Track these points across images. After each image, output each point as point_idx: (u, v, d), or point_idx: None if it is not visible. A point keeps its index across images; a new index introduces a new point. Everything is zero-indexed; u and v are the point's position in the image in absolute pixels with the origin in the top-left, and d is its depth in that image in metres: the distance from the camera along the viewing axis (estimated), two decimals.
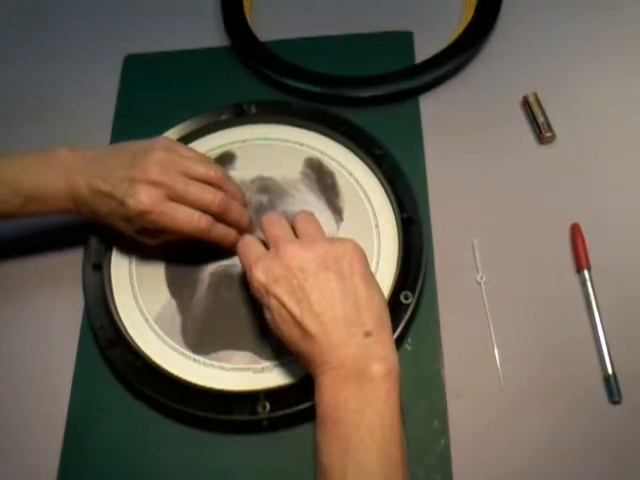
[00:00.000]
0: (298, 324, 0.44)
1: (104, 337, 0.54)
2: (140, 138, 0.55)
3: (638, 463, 0.49)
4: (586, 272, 0.55)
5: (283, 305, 0.44)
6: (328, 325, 0.43)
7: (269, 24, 0.72)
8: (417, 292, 0.53)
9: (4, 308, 0.58)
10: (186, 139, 0.62)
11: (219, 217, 0.53)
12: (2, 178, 0.52)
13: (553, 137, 0.62)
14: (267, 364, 0.52)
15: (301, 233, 0.48)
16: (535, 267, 0.56)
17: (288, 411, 0.50)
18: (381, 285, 0.47)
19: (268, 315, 0.46)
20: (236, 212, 0.54)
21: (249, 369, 0.52)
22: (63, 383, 0.54)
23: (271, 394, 0.50)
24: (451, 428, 0.50)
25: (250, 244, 0.49)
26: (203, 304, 0.55)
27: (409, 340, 0.54)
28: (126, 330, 0.54)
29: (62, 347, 0.56)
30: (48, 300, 0.58)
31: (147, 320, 0.55)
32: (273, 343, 0.53)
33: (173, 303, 0.56)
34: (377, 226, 0.58)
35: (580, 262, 0.55)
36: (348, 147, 0.62)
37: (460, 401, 0.51)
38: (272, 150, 0.63)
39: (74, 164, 0.52)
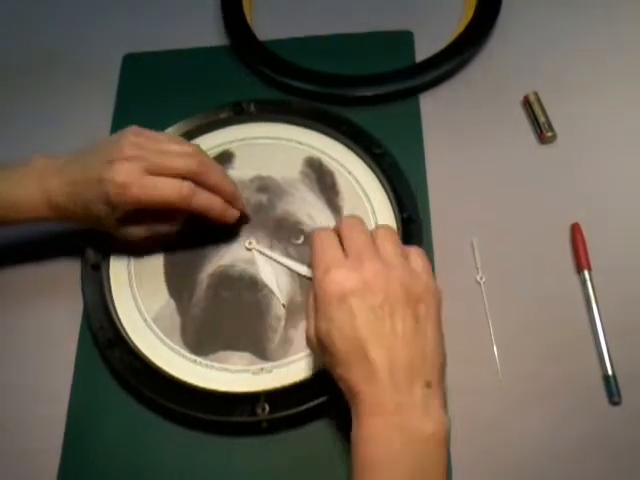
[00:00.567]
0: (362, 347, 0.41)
1: (103, 338, 0.54)
2: None
3: (637, 464, 0.49)
4: (586, 272, 0.55)
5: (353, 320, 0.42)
6: (393, 362, 0.41)
7: (269, 23, 0.72)
8: None
9: (3, 310, 0.58)
10: (185, 137, 0.61)
11: (200, 183, 0.52)
12: None
13: (554, 137, 0.62)
14: (266, 365, 0.52)
15: (381, 251, 0.46)
16: (535, 267, 0.56)
17: (288, 413, 0.49)
18: None
19: (323, 324, 0.43)
20: (217, 175, 0.53)
21: (248, 370, 0.52)
22: (63, 384, 0.54)
23: (271, 395, 0.50)
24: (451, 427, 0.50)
25: (328, 241, 0.47)
26: (202, 305, 0.55)
27: None
28: (125, 331, 0.54)
29: (61, 348, 0.56)
30: (47, 301, 0.58)
31: (146, 320, 0.55)
32: (273, 344, 0.53)
33: (172, 304, 0.55)
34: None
35: (580, 262, 0.55)
36: (348, 146, 0.62)
37: (460, 400, 0.51)
38: (271, 149, 0.62)
39: (48, 170, 0.52)
